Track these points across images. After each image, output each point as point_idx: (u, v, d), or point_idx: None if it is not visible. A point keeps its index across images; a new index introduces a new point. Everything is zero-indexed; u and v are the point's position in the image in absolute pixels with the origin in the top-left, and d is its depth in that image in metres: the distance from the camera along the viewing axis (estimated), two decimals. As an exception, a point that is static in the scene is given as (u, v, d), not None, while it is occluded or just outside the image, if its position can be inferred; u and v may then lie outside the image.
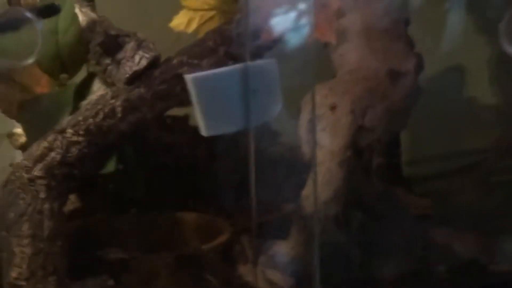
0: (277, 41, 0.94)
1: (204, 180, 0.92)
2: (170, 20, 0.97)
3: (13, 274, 0.70)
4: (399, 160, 0.99)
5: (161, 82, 0.85)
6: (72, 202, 0.89)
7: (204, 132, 0.68)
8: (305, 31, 0.92)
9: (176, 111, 0.91)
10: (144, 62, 0.86)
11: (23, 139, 0.92)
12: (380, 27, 0.89)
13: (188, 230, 0.89)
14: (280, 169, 0.87)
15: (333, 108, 0.83)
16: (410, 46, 0.90)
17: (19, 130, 0.93)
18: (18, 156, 0.90)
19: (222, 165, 0.93)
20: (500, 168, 0.94)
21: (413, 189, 0.98)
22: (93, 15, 0.92)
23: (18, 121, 0.92)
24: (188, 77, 0.67)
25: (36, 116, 0.90)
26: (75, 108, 0.89)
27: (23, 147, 0.91)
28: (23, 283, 0.70)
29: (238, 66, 0.69)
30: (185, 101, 0.82)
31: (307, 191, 0.80)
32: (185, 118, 0.98)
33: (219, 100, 0.67)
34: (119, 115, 0.82)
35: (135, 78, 0.86)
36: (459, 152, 0.99)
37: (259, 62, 0.72)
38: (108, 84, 0.88)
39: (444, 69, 0.98)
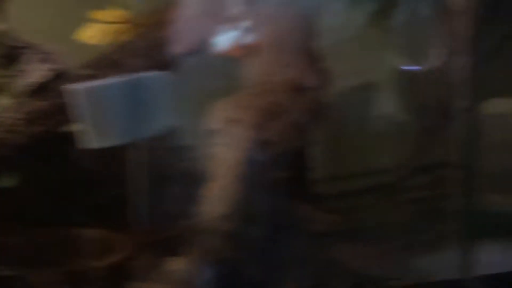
0: (189, 54, 0.94)
1: (107, 196, 0.91)
2: (78, 31, 0.97)
3: None
4: (309, 176, 0.99)
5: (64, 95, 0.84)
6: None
7: (93, 144, 0.67)
8: (216, 46, 0.93)
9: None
10: (48, 75, 0.85)
11: None
12: (287, 43, 0.89)
13: (88, 246, 0.88)
14: (184, 185, 0.86)
15: (234, 122, 0.83)
16: (316, 62, 0.90)
17: None
18: None
19: (126, 182, 0.92)
20: (409, 185, 0.94)
21: (325, 205, 0.98)
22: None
23: None
24: (76, 89, 0.66)
25: None
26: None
27: None
28: None
29: (128, 78, 0.68)
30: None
31: (202, 205, 0.79)
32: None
33: (109, 111, 0.67)
34: (21, 128, 0.81)
35: (39, 91, 0.85)
36: (375, 169, 0.99)
37: (150, 74, 0.72)
38: (12, 95, 0.87)
39: (358, 87, 0.98)
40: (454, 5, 0.73)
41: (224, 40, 0.91)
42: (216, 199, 0.79)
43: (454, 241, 0.76)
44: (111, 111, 0.66)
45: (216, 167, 0.81)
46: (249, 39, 0.90)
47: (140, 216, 0.75)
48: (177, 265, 0.79)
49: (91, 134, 0.65)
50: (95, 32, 0.97)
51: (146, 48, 0.92)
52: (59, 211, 0.88)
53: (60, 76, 0.86)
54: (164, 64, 0.92)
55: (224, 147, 0.82)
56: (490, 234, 0.99)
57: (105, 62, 0.88)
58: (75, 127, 0.70)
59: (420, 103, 0.88)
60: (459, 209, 0.77)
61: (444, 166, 0.79)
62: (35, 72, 0.85)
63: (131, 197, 0.81)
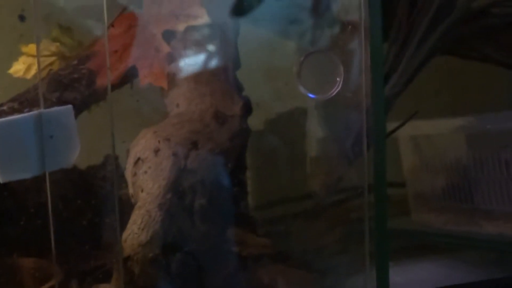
0: (116, 85, 0.96)
1: (34, 226, 0.92)
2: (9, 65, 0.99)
3: None
4: (243, 201, 1.01)
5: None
6: None
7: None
8: (140, 75, 0.95)
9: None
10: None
11: None
12: (208, 71, 0.91)
13: (23, 276, 0.89)
14: (110, 213, 0.88)
15: (156, 151, 0.85)
16: (238, 90, 0.92)
17: None
18: None
19: (64, 210, 0.93)
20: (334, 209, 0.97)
21: (256, 230, 1.00)
22: None
23: None
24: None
25: None
26: None
27: None
28: None
29: (32, 113, 0.70)
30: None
31: (126, 233, 0.81)
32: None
33: (14, 146, 0.68)
34: None
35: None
36: (303, 195, 1.01)
37: (54, 108, 0.74)
38: None
39: (283, 113, 1.01)
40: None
41: (149, 70, 0.93)
42: (141, 227, 0.81)
43: (373, 260, 0.79)
44: (17, 145, 0.67)
45: (140, 195, 0.83)
46: (171, 68, 0.92)
47: (67, 245, 0.77)
48: (104, 293, 0.81)
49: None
50: (22, 66, 0.98)
51: (73, 80, 0.94)
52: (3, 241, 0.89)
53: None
54: (91, 96, 0.94)
55: (147, 176, 0.84)
56: (418, 253, 1.03)
57: (30, 95, 0.90)
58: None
59: (340, 129, 0.91)
60: (382, 230, 0.79)
61: (366, 189, 0.81)
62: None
63: (58, 227, 0.83)
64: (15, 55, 1.00)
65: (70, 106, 0.73)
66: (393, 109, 0.93)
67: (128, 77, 0.98)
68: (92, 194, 0.93)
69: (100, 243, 0.86)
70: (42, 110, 0.69)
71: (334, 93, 0.72)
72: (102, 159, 0.99)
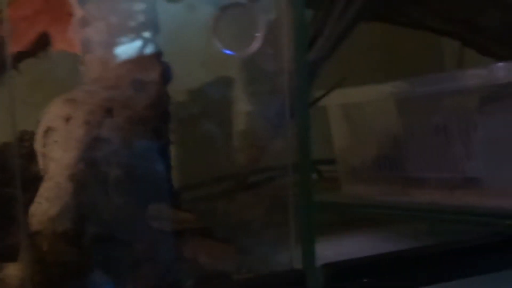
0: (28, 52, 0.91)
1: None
2: None
3: None
4: (166, 175, 0.96)
5: None
6: None
7: None
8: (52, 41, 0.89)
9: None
10: None
11: None
12: (125, 36, 0.86)
13: None
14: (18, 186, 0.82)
15: (67, 119, 0.80)
16: (157, 55, 0.87)
17: None
18: None
19: None
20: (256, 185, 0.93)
21: (180, 205, 0.96)
22: None
23: None
24: None
25: None
26: None
27: None
28: None
29: None
30: None
31: (34, 207, 0.76)
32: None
33: None
34: None
35: None
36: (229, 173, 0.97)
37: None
38: None
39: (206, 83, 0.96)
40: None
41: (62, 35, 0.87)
42: (50, 199, 0.75)
43: (299, 234, 0.75)
44: None
45: (51, 166, 0.78)
46: (87, 34, 0.87)
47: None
48: (11, 272, 0.75)
49: None
50: None
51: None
52: None
53: None
54: (2, 63, 0.88)
55: (57, 145, 0.78)
56: (348, 227, 1.00)
57: None
58: None
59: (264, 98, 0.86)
60: (304, 203, 0.75)
61: (290, 159, 0.77)
62: None
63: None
64: None
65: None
66: (322, 78, 0.90)
67: (41, 44, 0.93)
68: (4, 171, 0.87)
69: (5, 221, 0.80)
70: None
71: (253, 50, 0.68)
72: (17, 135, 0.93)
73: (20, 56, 0.93)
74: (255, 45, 0.68)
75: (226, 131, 0.95)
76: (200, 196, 0.96)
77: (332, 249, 0.88)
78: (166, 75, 0.87)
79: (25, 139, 0.95)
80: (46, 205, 0.75)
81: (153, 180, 0.92)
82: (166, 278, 0.80)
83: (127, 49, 0.86)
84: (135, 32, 0.87)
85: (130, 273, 0.79)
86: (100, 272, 0.77)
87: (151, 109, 0.85)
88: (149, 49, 0.87)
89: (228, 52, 0.68)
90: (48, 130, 0.80)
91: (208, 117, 0.94)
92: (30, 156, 0.90)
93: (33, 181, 0.83)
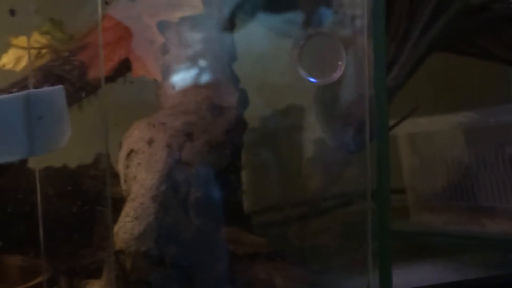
0: (109, 77, 0.94)
1: (21, 223, 0.89)
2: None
3: None
4: (238, 199, 0.98)
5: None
6: None
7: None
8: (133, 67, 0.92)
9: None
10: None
11: None
12: (204, 63, 0.89)
13: (10, 273, 0.86)
14: (101, 206, 0.84)
15: (150, 142, 0.82)
16: (234, 82, 0.90)
17: None
18: None
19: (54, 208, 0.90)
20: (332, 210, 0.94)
21: (251, 229, 0.97)
22: None
23: None
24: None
25: None
26: None
27: None
28: None
29: (20, 93, 0.67)
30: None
31: (118, 226, 0.78)
32: (24, 161, 0.95)
33: (1, 127, 0.65)
34: None
35: None
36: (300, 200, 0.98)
37: (44, 88, 0.71)
38: None
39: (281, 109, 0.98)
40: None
41: (142, 62, 0.90)
42: (134, 219, 0.77)
43: (375, 261, 0.76)
44: (4, 126, 0.64)
45: (133, 187, 0.80)
46: (166, 60, 0.90)
47: (56, 242, 0.74)
48: (95, 287, 0.78)
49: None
50: (11, 58, 0.96)
51: (64, 71, 0.91)
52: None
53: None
54: (83, 88, 0.91)
55: (141, 167, 0.81)
56: (418, 255, 1.00)
57: (19, 86, 0.87)
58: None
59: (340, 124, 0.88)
60: (382, 230, 0.77)
61: (369, 184, 0.78)
62: None
63: (47, 224, 0.79)
64: (4, 49, 0.97)
65: (61, 87, 0.70)
66: (393, 106, 0.91)
67: (121, 70, 0.95)
68: (82, 192, 0.90)
69: (91, 239, 0.83)
70: (30, 90, 0.66)
71: (336, 78, 0.70)
72: (93, 158, 0.96)
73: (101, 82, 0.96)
74: (337, 73, 0.70)
75: (297, 157, 0.97)
76: (272, 221, 0.97)
77: (402, 278, 0.89)
78: (243, 101, 0.89)
79: (101, 161, 0.98)
80: (130, 225, 0.78)
81: (226, 204, 0.94)
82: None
83: (205, 75, 0.89)
84: (213, 59, 0.90)
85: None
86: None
87: (228, 134, 0.87)
88: (226, 76, 0.90)
89: (311, 79, 0.70)
90: (131, 152, 0.83)
91: (281, 143, 0.96)
92: (105, 178, 0.92)
93: (112, 202, 0.86)
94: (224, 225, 0.90)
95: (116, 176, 0.93)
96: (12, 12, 1.02)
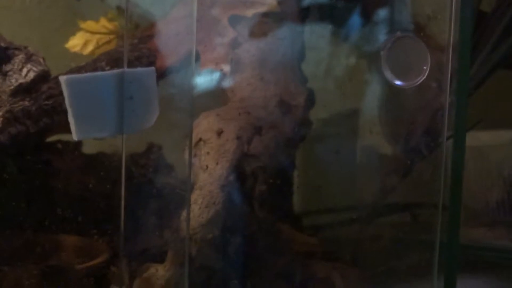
0: (175, 67, 0.94)
1: (90, 205, 0.89)
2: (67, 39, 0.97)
3: None
4: (289, 197, 0.99)
5: (47, 97, 0.84)
6: None
7: (74, 135, 0.66)
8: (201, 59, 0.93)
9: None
10: (31, 75, 0.85)
11: None
12: (274, 60, 0.89)
13: (67, 252, 0.86)
14: (168, 193, 0.85)
15: (219, 133, 0.83)
16: (302, 81, 0.90)
17: None
18: None
19: (110, 192, 0.91)
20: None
21: (305, 228, 0.98)
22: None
23: None
24: (62, 78, 0.66)
25: None
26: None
27: None
28: None
29: (114, 71, 0.68)
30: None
31: (184, 213, 0.78)
32: (78, 145, 0.96)
33: (92, 104, 0.66)
34: (6, 125, 0.80)
35: (21, 91, 0.84)
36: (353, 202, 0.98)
37: (138, 69, 0.71)
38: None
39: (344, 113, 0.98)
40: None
41: (211, 55, 0.91)
42: (202, 207, 0.78)
43: (430, 273, 0.76)
44: (96, 103, 0.65)
45: (201, 176, 0.81)
46: (236, 54, 0.90)
47: (121, 224, 0.74)
48: (158, 272, 0.78)
49: (74, 125, 0.64)
50: (80, 41, 0.97)
51: (133, 58, 0.92)
52: (35, 215, 0.86)
53: (44, 78, 0.85)
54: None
55: (209, 157, 0.81)
56: (470, 268, 1.00)
57: (88, 69, 0.88)
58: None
59: (405, 133, 0.88)
60: (436, 242, 0.77)
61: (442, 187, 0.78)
62: (20, 72, 0.85)
63: (111, 206, 0.80)
64: (68, 33, 0.98)
65: (152, 68, 0.70)
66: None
67: (188, 61, 0.96)
68: (147, 174, 0.91)
69: (156, 224, 0.83)
70: (125, 69, 0.67)
71: (419, 81, 0.70)
72: (145, 147, 0.97)
73: (167, 71, 0.97)
74: (422, 77, 0.70)
75: (354, 162, 0.97)
76: (325, 223, 0.98)
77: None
78: (310, 100, 0.90)
79: (153, 151, 0.98)
80: (197, 212, 0.78)
81: (284, 201, 0.95)
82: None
83: (275, 72, 0.90)
84: (283, 57, 0.90)
85: (266, 286, 0.81)
86: (240, 282, 0.79)
87: (295, 131, 0.88)
88: (295, 75, 0.90)
89: (396, 82, 0.70)
90: (199, 142, 0.83)
91: (342, 144, 0.97)
92: (156, 167, 0.93)
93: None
94: (282, 220, 0.90)
95: (168, 166, 0.94)
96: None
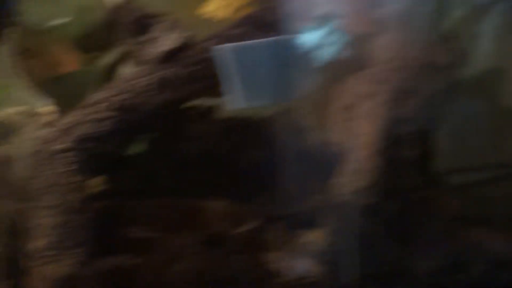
0: (311, 28, 0.92)
1: (234, 171, 0.89)
2: (202, 4, 0.96)
3: (39, 243, 0.68)
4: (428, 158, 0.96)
5: (195, 62, 0.84)
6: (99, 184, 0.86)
7: (240, 103, 0.66)
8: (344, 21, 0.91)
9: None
10: (178, 41, 0.85)
11: (49, 117, 0.90)
12: (418, 20, 0.87)
13: (216, 217, 0.87)
14: (311, 160, 0.84)
15: (370, 97, 0.81)
16: (447, 41, 0.88)
17: (46, 108, 0.91)
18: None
19: (252, 156, 0.91)
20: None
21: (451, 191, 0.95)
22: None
23: (47, 96, 0.90)
24: (223, 47, 0.65)
25: (66, 92, 0.89)
26: (106, 81, 0.88)
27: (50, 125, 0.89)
28: (49, 252, 0.68)
29: (274, 38, 0.67)
30: (216, 85, 0.81)
31: (338, 179, 0.78)
32: (212, 109, 0.96)
33: (254, 71, 0.65)
34: (155, 91, 0.80)
35: (170, 57, 0.84)
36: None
37: (291, 36, 0.70)
38: (140, 63, 0.87)
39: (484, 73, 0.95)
40: None
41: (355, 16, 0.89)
42: (353, 172, 0.77)
43: None
44: (257, 71, 0.64)
45: (352, 141, 0.80)
46: (377, 13, 0.88)
47: (273, 190, 0.74)
48: (312, 238, 0.78)
49: (237, 95, 0.64)
50: (217, 6, 0.96)
51: (268, 22, 0.91)
52: (185, 182, 0.87)
53: (189, 45, 0.85)
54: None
55: (361, 122, 0.80)
56: None
57: (235, 33, 0.87)
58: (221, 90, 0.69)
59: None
60: None
61: None
62: (164, 40, 0.84)
63: (263, 170, 0.80)
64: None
65: (307, 34, 0.69)
66: None
67: (326, 20, 0.94)
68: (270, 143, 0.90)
69: (308, 188, 0.83)
70: (281, 36, 0.66)
71: None
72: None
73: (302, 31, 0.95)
74: None
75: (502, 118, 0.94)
76: (470, 182, 0.95)
77: None
78: (455, 61, 0.87)
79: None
80: (350, 178, 0.77)
81: (428, 163, 0.93)
82: (455, 259, 0.81)
83: (419, 33, 0.87)
84: (427, 18, 0.88)
85: (421, 251, 0.80)
86: (395, 247, 0.78)
87: (441, 94, 0.85)
88: (439, 36, 0.88)
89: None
90: (348, 107, 0.82)
91: (486, 104, 0.94)
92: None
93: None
94: (427, 184, 0.88)
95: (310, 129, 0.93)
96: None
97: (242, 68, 0.64)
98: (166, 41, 0.85)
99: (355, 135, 0.80)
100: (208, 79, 0.82)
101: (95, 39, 0.91)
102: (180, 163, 0.89)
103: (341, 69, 0.86)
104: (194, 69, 0.83)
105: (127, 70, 0.86)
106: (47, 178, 0.72)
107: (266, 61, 0.65)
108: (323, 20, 0.93)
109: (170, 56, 0.84)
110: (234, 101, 0.66)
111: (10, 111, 0.91)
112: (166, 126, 0.88)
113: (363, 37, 0.89)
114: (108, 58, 0.90)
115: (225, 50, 0.65)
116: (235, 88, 0.65)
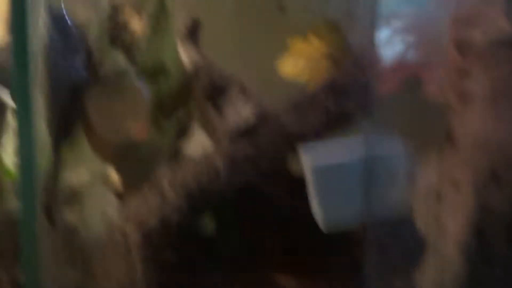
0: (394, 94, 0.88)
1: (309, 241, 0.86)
2: (274, 63, 0.90)
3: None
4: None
5: (268, 142, 0.80)
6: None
7: (321, 225, 0.62)
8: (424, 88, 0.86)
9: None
10: (251, 118, 0.81)
11: (118, 187, 0.88)
12: (510, 93, 0.81)
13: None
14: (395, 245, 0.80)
15: (455, 184, 0.76)
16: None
17: (113, 174, 0.89)
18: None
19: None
20: None
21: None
22: (197, 56, 0.87)
23: (113, 166, 0.88)
24: (308, 164, 0.61)
25: (133, 163, 0.86)
26: (173, 156, 0.85)
27: (118, 193, 0.87)
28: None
29: (360, 157, 0.62)
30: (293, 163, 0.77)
31: (422, 274, 0.73)
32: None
33: (338, 193, 0.61)
34: (223, 177, 0.77)
35: (241, 134, 0.81)
36: None
37: (385, 153, 0.65)
38: (209, 133, 0.84)
39: None
40: None
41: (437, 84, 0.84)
42: (435, 270, 0.73)
43: None
44: (341, 192, 0.60)
45: (436, 234, 0.75)
46: (465, 86, 0.83)
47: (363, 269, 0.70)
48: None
49: (320, 216, 0.60)
50: (295, 66, 0.91)
51: (349, 87, 0.86)
52: (258, 259, 0.84)
53: (264, 120, 0.81)
54: (367, 105, 0.86)
55: (443, 212, 0.75)
56: None
57: (309, 103, 0.83)
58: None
59: None
60: None
61: None
62: (237, 114, 0.81)
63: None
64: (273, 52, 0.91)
65: (402, 149, 0.64)
66: None
67: (406, 87, 0.89)
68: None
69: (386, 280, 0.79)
70: (369, 153, 0.61)
71: None
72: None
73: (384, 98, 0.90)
74: None
75: None
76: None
77: None
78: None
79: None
80: (432, 275, 0.73)
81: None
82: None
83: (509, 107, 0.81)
84: None
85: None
86: None
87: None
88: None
89: None
90: (433, 193, 0.77)
91: None
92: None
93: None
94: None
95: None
96: (280, 8, 0.95)
97: (322, 189, 0.60)
98: (239, 116, 0.81)
99: (438, 228, 0.76)
100: (282, 160, 0.79)
101: (168, 104, 0.88)
102: (254, 240, 0.85)
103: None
104: (269, 148, 0.79)
105: (196, 143, 0.84)
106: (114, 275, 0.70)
107: (351, 182, 0.61)
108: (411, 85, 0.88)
109: (243, 134, 0.80)
110: (319, 222, 0.62)
111: (80, 171, 0.90)
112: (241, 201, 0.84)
113: (448, 108, 0.83)
114: (177, 126, 0.87)
115: (306, 167, 0.61)
116: (317, 209, 0.61)
